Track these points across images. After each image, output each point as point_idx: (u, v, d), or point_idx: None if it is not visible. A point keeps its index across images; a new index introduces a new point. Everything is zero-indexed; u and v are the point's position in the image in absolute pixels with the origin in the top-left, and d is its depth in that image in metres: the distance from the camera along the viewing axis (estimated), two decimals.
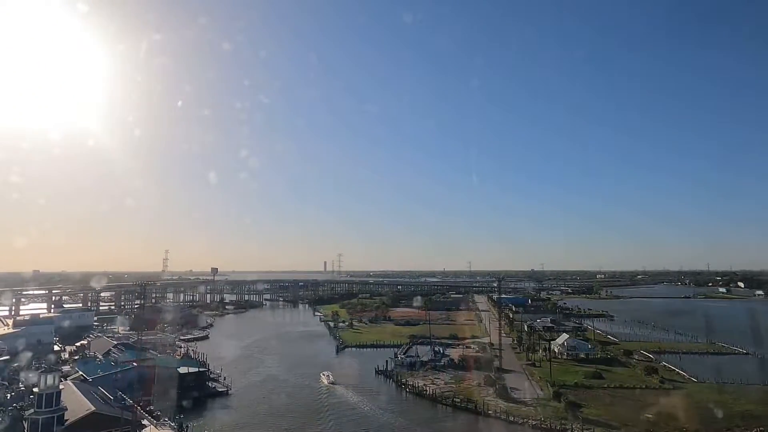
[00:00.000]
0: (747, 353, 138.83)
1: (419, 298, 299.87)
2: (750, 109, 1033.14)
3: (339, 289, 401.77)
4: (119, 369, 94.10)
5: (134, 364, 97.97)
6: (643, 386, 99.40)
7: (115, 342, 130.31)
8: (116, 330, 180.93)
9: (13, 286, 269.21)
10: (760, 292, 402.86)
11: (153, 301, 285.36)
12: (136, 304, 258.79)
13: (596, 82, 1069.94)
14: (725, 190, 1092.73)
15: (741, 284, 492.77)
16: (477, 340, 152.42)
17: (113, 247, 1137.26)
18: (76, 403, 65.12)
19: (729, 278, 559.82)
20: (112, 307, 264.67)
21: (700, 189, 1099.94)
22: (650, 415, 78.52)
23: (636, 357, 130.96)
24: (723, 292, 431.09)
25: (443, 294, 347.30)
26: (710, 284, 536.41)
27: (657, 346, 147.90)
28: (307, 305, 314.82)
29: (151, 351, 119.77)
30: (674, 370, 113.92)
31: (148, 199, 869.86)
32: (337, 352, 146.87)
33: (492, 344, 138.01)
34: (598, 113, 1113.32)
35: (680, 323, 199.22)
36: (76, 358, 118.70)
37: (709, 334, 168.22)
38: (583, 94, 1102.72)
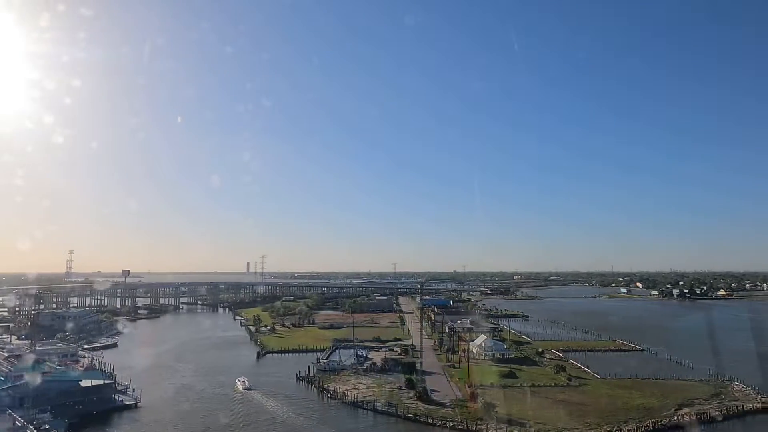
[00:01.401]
0: (642, 350, 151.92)
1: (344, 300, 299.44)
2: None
3: (262, 291, 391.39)
4: (9, 384, 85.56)
5: (28, 377, 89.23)
6: (553, 384, 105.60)
7: (6, 354, 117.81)
8: (8, 340, 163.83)
9: None
10: (654, 291, 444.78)
11: (54, 306, 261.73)
12: (33, 310, 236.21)
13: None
14: (627, 195, 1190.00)
15: (639, 285, 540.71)
16: (400, 342, 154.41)
17: (7, 245, 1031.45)
18: None
19: (629, 279, 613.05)
20: (5, 314, 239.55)
21: (604, 196, 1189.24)
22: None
23: (547, 356, 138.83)
24: (624, 293, 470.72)
25: (368, 296, 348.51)
26: (613, 284, 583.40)
27: (566, 345, 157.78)
28: (227, 309, 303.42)
29: (48, 363, 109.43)
30: (580, 368, 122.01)
31: (50, 194, 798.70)
32: (258, 358, 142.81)
33: (414, 346, 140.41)
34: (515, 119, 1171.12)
35: (586, 322, 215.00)
36: None
37: (611, 332, 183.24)
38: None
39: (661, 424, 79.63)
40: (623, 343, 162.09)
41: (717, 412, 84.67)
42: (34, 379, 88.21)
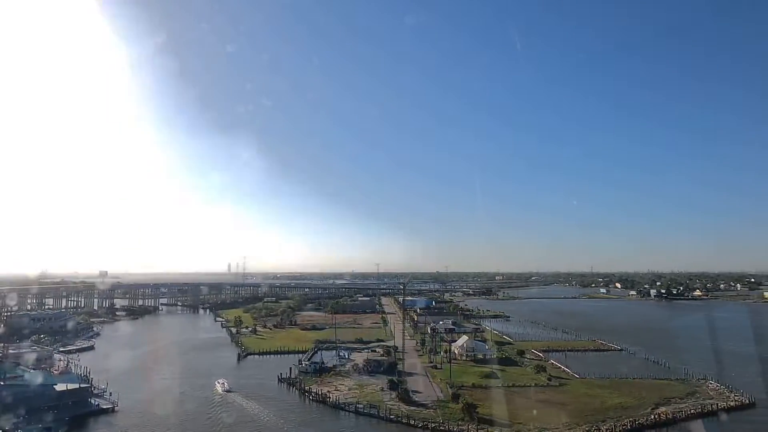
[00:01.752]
0: (621, 350, 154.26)
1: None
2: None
3: (243, 292, 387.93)
4: None
5: (0, 383, 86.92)
6: (533, 384, 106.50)
7: None
8: None
9: None
10: (633, 292, 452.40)
11: (28, 307, 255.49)
12: (6, 312, 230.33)
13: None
14: (607, 197, 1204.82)
15: (618, 285, 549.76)
16: (382, 343, 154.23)
17: None
18: None
19: (608, 279, 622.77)
20: None
21: (596, 195, 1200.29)
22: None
23: (528, 356, 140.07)
24: (603, 293, 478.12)
25: (351, 297, 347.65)
26: (593, 285, 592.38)
27: (546, 345, 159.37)
28: (208, 310, 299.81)
29: (22, 366, 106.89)
30: (560, 368, 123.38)
31: (29, 194, 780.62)
32: (239, 360, 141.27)
33: (396, 347, 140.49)
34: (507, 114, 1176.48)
35: (567, 322, 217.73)
36: None
37: (590, 332, 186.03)
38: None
39: (639, 423, 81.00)
40: (602, 343, 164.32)
41: (692, 411, 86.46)
42: (7, 384, 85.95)
